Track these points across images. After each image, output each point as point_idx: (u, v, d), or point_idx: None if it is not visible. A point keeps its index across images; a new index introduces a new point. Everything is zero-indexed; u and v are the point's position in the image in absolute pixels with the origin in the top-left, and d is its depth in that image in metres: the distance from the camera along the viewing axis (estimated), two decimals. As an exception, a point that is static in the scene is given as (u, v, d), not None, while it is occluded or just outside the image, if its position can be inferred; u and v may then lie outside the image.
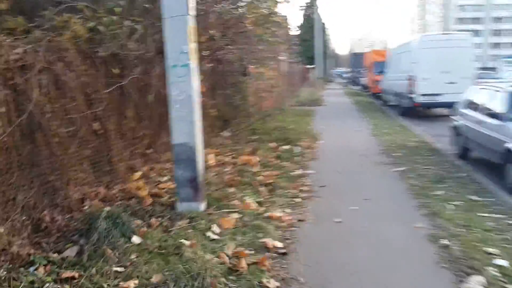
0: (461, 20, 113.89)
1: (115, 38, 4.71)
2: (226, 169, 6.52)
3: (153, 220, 4.16)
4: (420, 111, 16.40)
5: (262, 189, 5.66)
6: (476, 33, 73.95)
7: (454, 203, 5.60)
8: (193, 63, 4.53)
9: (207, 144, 8.30)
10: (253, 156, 7.35)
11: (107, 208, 3.94)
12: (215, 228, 4.12)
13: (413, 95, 15.09)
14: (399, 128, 12.42)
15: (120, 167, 5.27)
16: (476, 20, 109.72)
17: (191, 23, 4.49)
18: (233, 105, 9.98)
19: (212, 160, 6.74)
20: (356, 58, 50.40)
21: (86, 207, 4.21)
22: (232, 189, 5.52)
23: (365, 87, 32.20)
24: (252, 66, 10.82)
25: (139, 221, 4.07)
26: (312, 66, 39.60)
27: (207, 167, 6.56)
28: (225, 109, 9.82)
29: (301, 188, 6.08)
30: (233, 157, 7.39)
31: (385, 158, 8.39)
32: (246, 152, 7.88)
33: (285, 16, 12.47)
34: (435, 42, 15.12)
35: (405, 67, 16.13)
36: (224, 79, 10.09)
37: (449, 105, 15.66)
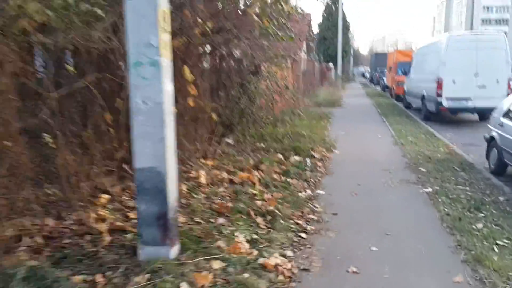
0: (486, 21, 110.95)
1: (69, 27, 3.64)
2: (219, 190, 5.42)
3: (98, 276, 3.04)
4: (446, 116, 15.07)
5: (260, 220, 4.55)
6: (503, 33, 71.34)
7: (498, 241, 4.43)
8: (165, 60, 3.44)
9: (204, 154, 7.25)
10: (255, 172, 6.24)
11: (31, 262, 2.86)
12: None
13: (439, 99, 13.80)
14: (425, 136, 11.15)
15: (81, 188, 4.22)
16: (500, 21, 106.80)
17: (164, 6, 3.39)
18: (238, 108, 8.88)
19: (203, 177, 5.65)
20: (378, 58, 49.00)
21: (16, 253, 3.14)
22: (221, 220, 4.42)
23: (386, 88, 30.80)
24: (265, 65, 9.71)
25: (79, 277, 2.96)
26: (332, 65, 38.22)
27: (198, 186, 5.49)
28: (229, 112, 8.73)
29: (308, 216, 4.95)
30: (231, 172, 6.29)
31: (411, 174, 7.19)
32: (249, 164, 6.77)
33: (300, 8, 11.11)
34: (465, 42, 13.77)
35: (432, 69, 14.82)
36: (230, 79, 9.01)
37: (479, 110, 14.39)
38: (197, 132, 7.22)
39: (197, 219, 4.36)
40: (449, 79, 13.66)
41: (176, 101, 3.94)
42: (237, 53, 9.03)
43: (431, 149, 9.38)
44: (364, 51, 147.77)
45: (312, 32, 43.77)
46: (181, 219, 4.20)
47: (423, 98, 15.75)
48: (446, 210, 5.39)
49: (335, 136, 10.37)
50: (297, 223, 4.68)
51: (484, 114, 14.82)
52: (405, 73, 20.14)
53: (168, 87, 3.49)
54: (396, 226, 4.85)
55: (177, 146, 6.43)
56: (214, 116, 7.33)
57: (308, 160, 7.37)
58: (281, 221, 4.59)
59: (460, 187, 6.47)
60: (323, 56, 42.71)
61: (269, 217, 4.64)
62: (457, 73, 13.55)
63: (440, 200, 5.77)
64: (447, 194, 6.04)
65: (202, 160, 6.88)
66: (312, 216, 4.98)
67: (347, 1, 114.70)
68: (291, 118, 9.31)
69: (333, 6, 42.81)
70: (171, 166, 3.52)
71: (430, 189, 6.25)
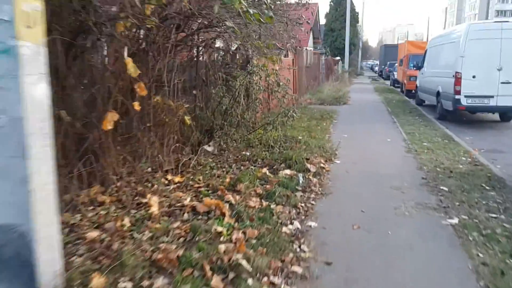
0: (501, 13, 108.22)
1: None
2: (173, 225, 4.01)
3: None
4: (464, 115, 13.57)
5: (217, 280, 3.14)
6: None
7: None
8: (30, 45, 2.03)
9: (174, 167, 5.86)
10: (230, 195, 4.84)
11: None
12: None
13: (457, 96, 12.29)
14: (442, 140, 9.68)
15: None
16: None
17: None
18: (220, 109, 7.46)
19: (155, 204, 4.24)
20: (388, 50, 47.22)
21: None
22: (160, 282, 3.03)
23: (397, 83, 29.18)
24: (257, 57, 8.28)
25: None
26: (338, 58, 36.63)
27: (146, 218, 4.10)
28: (210, 114, 7.32)
29: (290, 269, 3.54)
30: (198, 195, 4.89)
31: (429, 195, 5.74)
32: (225, 183, 5.37)
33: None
34: (487, 32, 12.21)
35: (448, 62, 13.30)
36: (213, 73, 7.59)
37: (502, 110, 12.88)
38: (164, 140, 5.83)
39: (123, 283, 2.96)
40: (468, 74, 12.15)
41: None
42: (218, 41, 7.62)
43: (451, 158, 7.91)
44: (373, 43, 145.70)
45: (319, 23, 42.21)
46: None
47: (438, 95, 14.25)
48: (480, 255, 3.95)
49: (337, 140, 8.93)
50: (272, 284, 3.26)
51: (508, 114, 13.32)
52: (418, 66, 18.57)
53: (38, 91, 2.07)
54: (413, 285, 3.43)
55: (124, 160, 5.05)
56: (187, 119, 5.94)
57: (300, 176, 5.93)
58: (249, 282, 3.18)
59: (494, 215, 5.01)
60: (329, 49, 41.05)
61: (231, 275, 3.23)
62: (478, 67, 12.04)
63: (471, 238, 4.33)
64: (479, 227, 4.59)
65: (169, 176, 5.50)
66: (296, 268, 3.56)
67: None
68: (284, 121, 7.84)
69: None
70: (45, 221, 2.11)
71: (456, 220, 4.80)
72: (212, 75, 7.48)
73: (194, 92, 6.78)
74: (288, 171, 6.09)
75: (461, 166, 7.29)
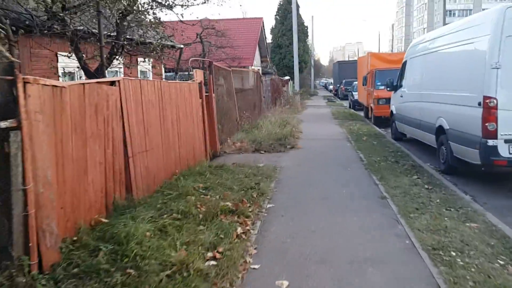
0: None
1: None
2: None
3: None
4: (503, 171, 7.87)
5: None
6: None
7: None
8: None
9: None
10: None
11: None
12: None
13: (490, 142, 6.68)
14: (490, 248, 3.92)
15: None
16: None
17: None
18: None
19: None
20: (342, 67, 42.30)
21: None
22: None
23: (357, 104, 23.84)
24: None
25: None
26: (288, 78, 31.11)
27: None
28: None
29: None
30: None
31: None
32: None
33: None
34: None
35: (461, 78, 7.76)
36: None
37: None
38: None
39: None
40: (509, 100, 6.60)
41: None
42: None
43: None
44: (324, 61, 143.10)
45: (266, 39, 36.91)
46: None
47: (440, 132, 8.67)
48: None
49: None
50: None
51: None
52: (391, 86, 13.08)
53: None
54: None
55: None
56: None
57: None
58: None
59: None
60: (276, 67, 35.61)
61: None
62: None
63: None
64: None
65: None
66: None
67: (303, 7, 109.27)
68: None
69: (287, 7, 35.78)
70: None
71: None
72: None
73: None
74: None
75: None
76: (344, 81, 37.35)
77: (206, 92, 9.65)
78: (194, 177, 7.19)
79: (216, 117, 10.12)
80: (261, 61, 36.21)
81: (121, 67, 11.18)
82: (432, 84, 9.36)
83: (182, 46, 19.07)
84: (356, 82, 25.53)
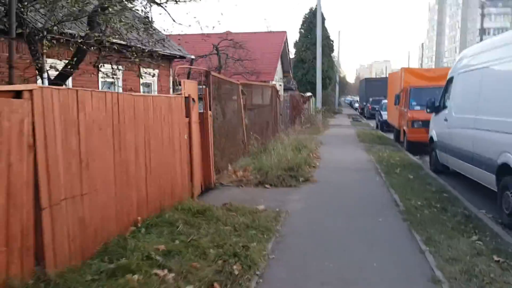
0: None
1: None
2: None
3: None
4: None
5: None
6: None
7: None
8: None
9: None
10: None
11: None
12: None
13: None
14: None
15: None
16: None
17: None
18: None
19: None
20: (369, 85, 39.91)
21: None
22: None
23: (386, 125, 21.50)
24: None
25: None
26: (310, 94, 28.94)
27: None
28: None
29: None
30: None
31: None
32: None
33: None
34: None
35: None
36: None
37: None
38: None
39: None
40: None
41: None
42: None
43: None
44: (350, 79, 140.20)
45: (289, 54, 34.90)
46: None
47: (504, 172, 6.40)
48: None
49: None
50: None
51: None
52: (432, 106, 10.85)
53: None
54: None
55: None
56: None
57: None
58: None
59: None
60: (297, 83, 33.46)
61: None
62: None
63: None
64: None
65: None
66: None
67: (329, 21, 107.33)
68: None
69: (312, 20, 33.72)
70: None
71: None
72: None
73: None
74: None
75: None
76: (371, 99, 34.99)
77: (202, 110, 7.64)
78: (160, 229, 5.08)
79: (212, 140, 8.04)
80: (284, 77, 34.18)
81: (119, 78, 9.19)
82: (495, 107, 7.06)
83: (193, 57, 17.16)
84: (385, 101, 23.21)
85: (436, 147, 10.54)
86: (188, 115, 6.59)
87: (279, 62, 33.44)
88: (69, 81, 7.93)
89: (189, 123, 6.63)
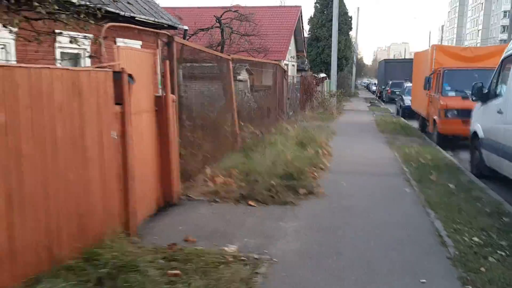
0: (506, 28, 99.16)
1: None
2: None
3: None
4: None
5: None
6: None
7: None
8: None
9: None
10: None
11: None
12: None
13: None
14: None
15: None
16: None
17: None
18: None
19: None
20: (389, 67, 36.85)
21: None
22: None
23: (408, 112, 18.90)
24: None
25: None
26: (324, 75, 26.24)
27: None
28: None
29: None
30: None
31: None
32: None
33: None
34: None
35: None
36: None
37: None
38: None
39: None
40: None
41: None
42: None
43: None
44: (367, 61, 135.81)
45: (303, 31, 32.11)
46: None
47: None
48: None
49: None
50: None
51: None
52: (477, 93, 8.34)
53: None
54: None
55: None
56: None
57: None
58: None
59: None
60: (312, 63, 30.73)
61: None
62: None
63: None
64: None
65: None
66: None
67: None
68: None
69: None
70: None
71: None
72: None
73: None
74: None
75: None
76: (390, 82, 32.16)
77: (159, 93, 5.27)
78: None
79: (175, 135, 5.66)
80: (297, 56, 31.52)
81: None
82: None
83: (186, 27, 14.65)
84: (409, 84, 20.52)
85: (482, 146, 8.06)
86: (120, 101, 4.18)
87: (292, 40, 30.80)
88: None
89: (123, 113, 4.23)
